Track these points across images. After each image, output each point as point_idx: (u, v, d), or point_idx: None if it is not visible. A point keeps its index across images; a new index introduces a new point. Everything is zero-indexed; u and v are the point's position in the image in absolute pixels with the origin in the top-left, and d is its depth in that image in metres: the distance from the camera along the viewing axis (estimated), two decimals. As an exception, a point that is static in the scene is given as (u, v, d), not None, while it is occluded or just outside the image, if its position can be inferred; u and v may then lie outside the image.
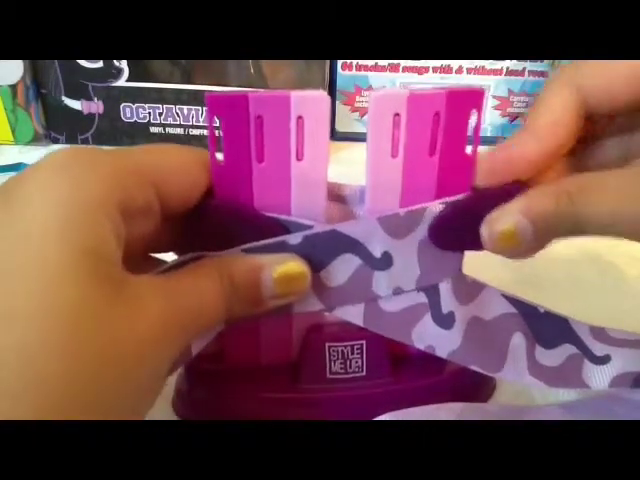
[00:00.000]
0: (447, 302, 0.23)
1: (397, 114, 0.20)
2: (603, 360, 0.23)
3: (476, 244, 0.21)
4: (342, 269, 0.22)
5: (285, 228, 0.21)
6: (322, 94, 0.19)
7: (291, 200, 0.21)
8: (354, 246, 0.21)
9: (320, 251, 0.21)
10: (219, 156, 0.21)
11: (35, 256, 0.15)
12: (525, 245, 0.20)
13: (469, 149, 0.21)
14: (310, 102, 0.19)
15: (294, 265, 0.20)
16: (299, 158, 0.20)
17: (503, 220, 0.20)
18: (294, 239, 0.21)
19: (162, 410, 0.26)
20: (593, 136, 0.24)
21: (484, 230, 0.20)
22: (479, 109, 0.20)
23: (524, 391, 0.27)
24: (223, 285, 0.19)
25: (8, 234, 0.16)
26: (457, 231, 0.22)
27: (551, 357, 0.23)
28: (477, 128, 0.21)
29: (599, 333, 0.24)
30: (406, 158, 0.20)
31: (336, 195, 0.23)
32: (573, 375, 0.23)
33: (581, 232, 0.19)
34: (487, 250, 0.21)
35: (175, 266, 0.21)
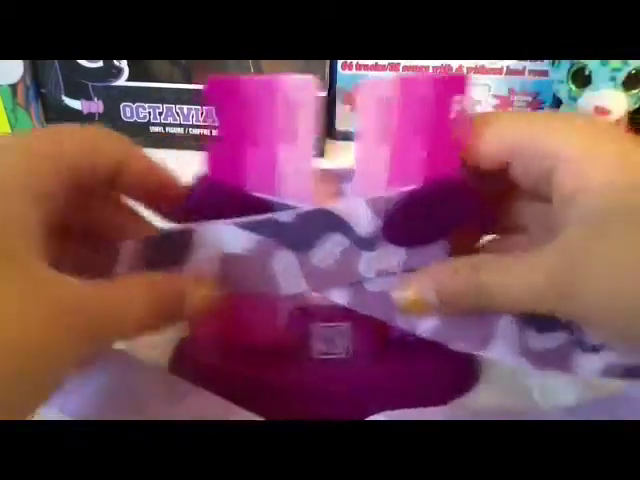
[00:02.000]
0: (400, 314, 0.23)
1: (384, 99, 0.20)
2: (595, 349, 0.23)
3: (427, 237, 0.22)
4: (330, 249, 0.22)
5: (275, 209, 0.22)
6: (309, 78, 0.20)
7: (280, 181, 0.22)
8: (342, 226, 0.22)
9: (309, 230, 0.22)
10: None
11: None
12: (432, 312, 0.22)
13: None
14: (297, 86, 0.20)
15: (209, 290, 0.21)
16: (288, 141, 0.21)
17: (410, 288, 0.22)
18: (284, 217, 0.21)
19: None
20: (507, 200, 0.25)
21: (395, 294, 0.22)
22: (463, 94, 0.21)
23: (524, 391, 0.27)
24: (149, 299, 0.19)
25: None
26: (407, 225, 0.22)
27: (542, 341, 0.23)
28: (462, 113, 0.21)
29: None
30: (394, 142, 0.21)
31: (325, 175, 0.24)
32: (563, 360, 0.23)
33: (484, 305, 0.21)
34: (399, 312, 0.22)
35: (164, 237, 0.22)
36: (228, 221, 0.22)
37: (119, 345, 0.27)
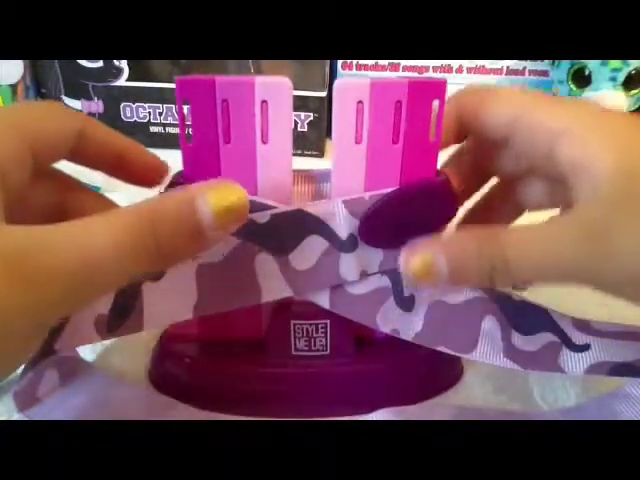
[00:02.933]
0: (408, 286, 0.24)
1: (360, 102, 0.20)
2: (582, 348, 0.24)
3: (404, 239, 0.22)
4: (310, 251, 0.22)
5: (252, 209, 0.22)
6: (285, 80, 0.20)
7: (257, 181, 0.22)
8: (320, 227, 0.22)
9: (287, 232, 0.22)
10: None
11: None
12: (440, 281, 0.20)
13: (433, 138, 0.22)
14: (273, 87, 0.20)
15: (229, 191, 0.18)
16: (264, 141, 0.21)
17: (420, 251, 0.20)
18: (262, 218, 0.21)
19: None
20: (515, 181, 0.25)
21: (402, 258, 0.20)
22: (441, 99, 0.21)
23: (522, 392, 0.27)
24: (138, 225, 0.16)
25: None
26: (385, 227, 0.22)
27: (528, 342, 0.24)
28: (440, 118, 0.21)
29: (582, 324, 0.24)
30: (370, 144, 0.21)
31: (304, 176, 0.24)
32: (549, 360, 0.24)
33: (505, 273, 0.19)
34: (405, 279, 0.21)
35: None
36: None
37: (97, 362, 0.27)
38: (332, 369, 0.25)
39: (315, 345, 0.25)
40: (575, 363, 0.23)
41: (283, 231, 0.22)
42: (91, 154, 0.22)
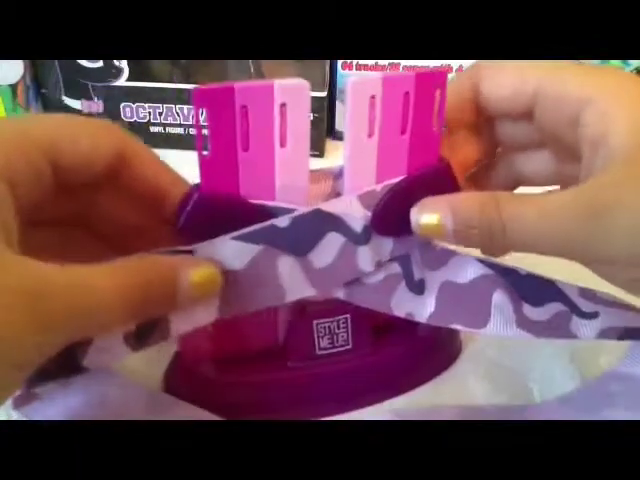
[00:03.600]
0: (417, 270, 0.24)
1: (372, 96, 0.21)
2: (591, 315, 0.24)
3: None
4: (328, 249, 0.22)
5: (271, 214, 0.22)
6: (303, 82, 0.20)
7: (275, 186, 0.22)
8: (337, 224, 0.22)
9: (307, 232, 0.22)
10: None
11: None
12: (446, 237, 0.21)
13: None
14: (292, 90, 0.20)
15: (207, 269, 0.20)
16: (282, 144, 0.21)
17: (429, 209, 0.21)
18: (282, 222, 0.22)
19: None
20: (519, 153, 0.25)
21: (412, 215, 0.22)
22: (443, 88, 0.22)
23: (522, 391, 0.27)
24: (131, 284, 0.18)
25: None
26: (396, 216, 0.23)
27: (539, 313, 0.24)
28: (441, 106, 0.22)
29: (588, 294, 0.25)
30: (381, 137, 0.22)
31: (317, 175, 0.24)
32: (561, 327, 0.24)
33: (501, 239, 0.20)
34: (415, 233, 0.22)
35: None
36: (226, 236, 0.21)
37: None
38: (353, 363, 0.26)
39: (338, 341, 0.25)
40: (586, 329, 0.24)
41: (303, 232, 0.22)
42: (127, 184, 0.21)
